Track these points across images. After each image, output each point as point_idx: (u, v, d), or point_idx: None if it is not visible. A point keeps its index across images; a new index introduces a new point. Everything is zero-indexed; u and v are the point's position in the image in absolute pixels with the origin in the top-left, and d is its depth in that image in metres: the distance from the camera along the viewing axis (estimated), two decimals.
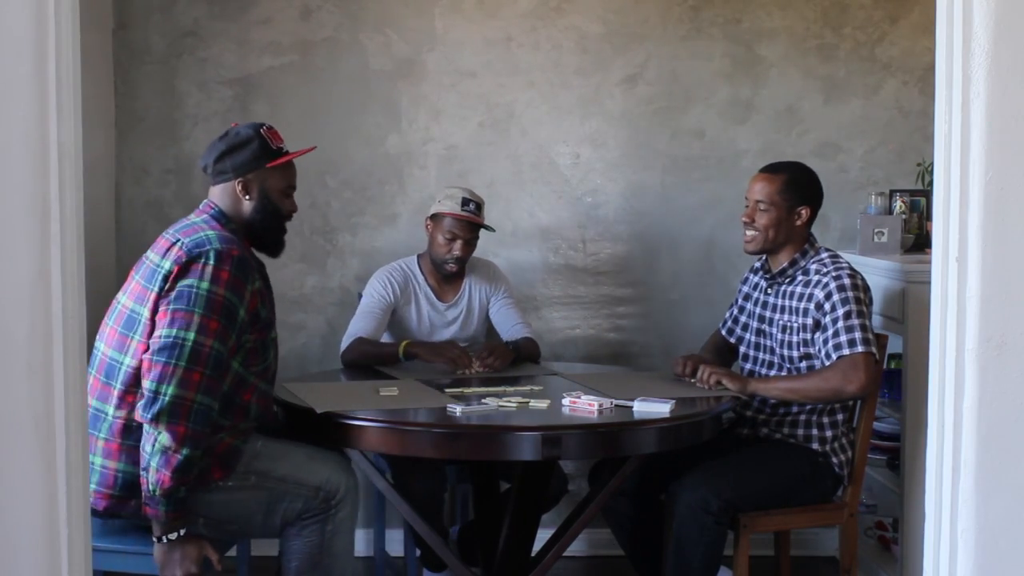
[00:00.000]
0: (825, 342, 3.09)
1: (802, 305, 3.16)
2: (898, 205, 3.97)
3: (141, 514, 2.69)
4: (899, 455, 3.65)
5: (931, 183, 3.13)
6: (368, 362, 3.51)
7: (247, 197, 2.87)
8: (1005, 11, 1.79)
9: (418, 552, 3.63)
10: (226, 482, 2.73)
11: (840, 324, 3.06)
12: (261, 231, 2.90)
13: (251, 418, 2.81)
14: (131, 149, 4.16)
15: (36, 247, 1.75)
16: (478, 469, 3.43)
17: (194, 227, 2.80)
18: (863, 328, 3.06)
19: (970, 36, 1.80)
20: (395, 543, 3.93)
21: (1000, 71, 1.79)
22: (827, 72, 4.20)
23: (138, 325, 2.73)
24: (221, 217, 2.86)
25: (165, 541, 2.63)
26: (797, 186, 3.23)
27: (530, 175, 4.22)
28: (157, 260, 2.76)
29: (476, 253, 3.96)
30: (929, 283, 1.95)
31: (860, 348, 3.04)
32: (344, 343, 3.58)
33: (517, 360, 3.55)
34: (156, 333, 2.66)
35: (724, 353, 3.52)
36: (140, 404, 2.63)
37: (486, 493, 3.45)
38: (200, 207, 2.91)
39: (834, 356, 3.06)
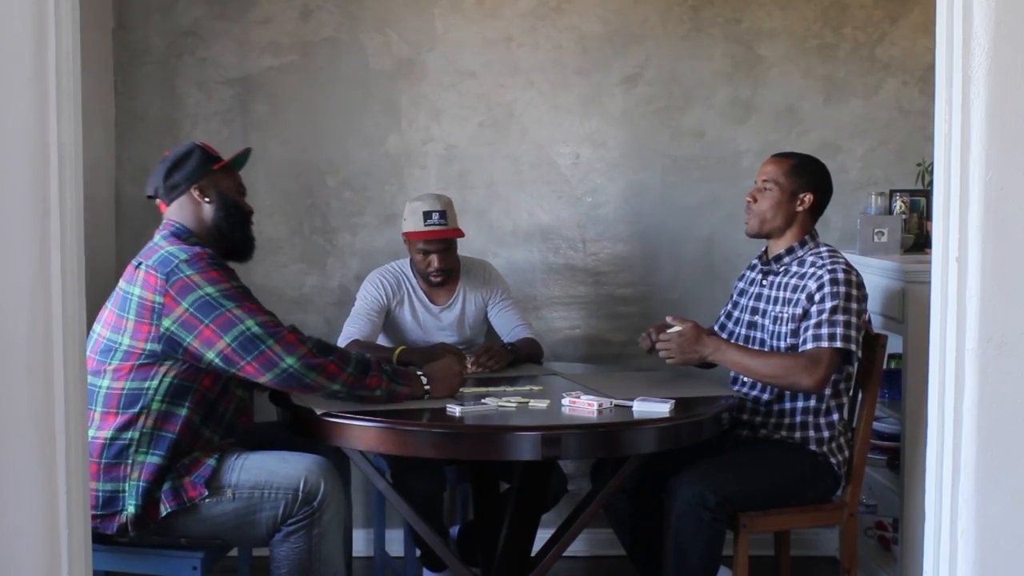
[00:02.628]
0: (806, 329, 3.08)
1: (795, 296, 3.16)
2: (898, 205, 3.97)
3: (129, 532, 2.71)
4: (899, 455, 3.65)
5: (931, 183, 3.13)
6: None
7: (206, 200, 2.87)
8: (1005, 11, 1.78)
9: (418, 552, 3.63)
10: (202, 499, 2.73)
11: (825, 316, 3.06)
12: (229, 231, 2.89)
13: (224, 430, 2.84)
14: (131, 149, 4.16)
15: (36, 247, 1.75)
16: (478, 469, 3.43)
17: (152, 248, 2.81)
18: (846, 325, 3.05)
19: (970, 36, 1.80)
20: (395, 543, 3.93)
21: (1000, 71, 1.79)
22: (827, 72, 4.20)
23: (115, 353, 2.74)
24: (182, 232, 2.84)
25: (428, 392, 2.90)
26: (803, 171, 3.23)
27: (530, 175, 4.21)
28: (125, 287, 2.76)
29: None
30: (929, 283, 1.95)
31: (838, 343, 3.03)
32: (339, 345, 3.57)
33: (517, 361, 3.54)
34: (216, 349, 2.67)
35: None
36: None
37: (486, 493, 3.45)
38: (159, 229, 2.89)
39: (810, 344, 3.06)
